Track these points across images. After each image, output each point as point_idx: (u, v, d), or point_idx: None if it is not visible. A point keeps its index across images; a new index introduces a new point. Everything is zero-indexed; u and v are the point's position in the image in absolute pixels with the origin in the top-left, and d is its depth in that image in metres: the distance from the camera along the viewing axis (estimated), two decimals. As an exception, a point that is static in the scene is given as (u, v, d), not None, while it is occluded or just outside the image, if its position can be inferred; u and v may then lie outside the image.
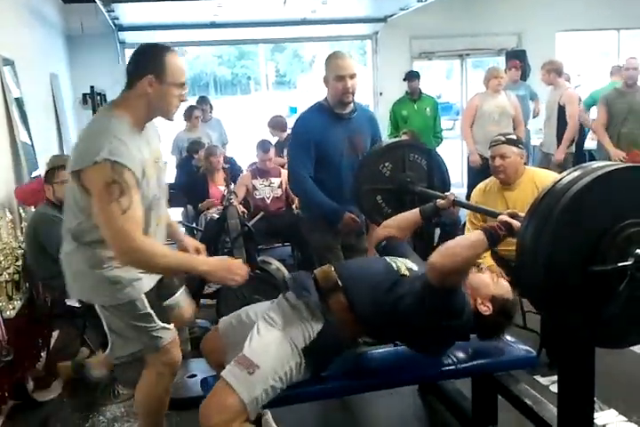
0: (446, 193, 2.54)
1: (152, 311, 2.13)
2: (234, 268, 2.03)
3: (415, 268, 2.14)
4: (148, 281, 2.16)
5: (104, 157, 1.87)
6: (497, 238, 1.88)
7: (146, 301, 2.12)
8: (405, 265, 2.14)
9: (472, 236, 1.93)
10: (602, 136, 5.50)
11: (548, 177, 3.11)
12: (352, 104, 3.09)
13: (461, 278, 1.96)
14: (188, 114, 6.53)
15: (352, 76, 2.96)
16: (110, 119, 2.00)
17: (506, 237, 1.89)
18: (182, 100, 2.08)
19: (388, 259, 2.20)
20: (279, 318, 2.05)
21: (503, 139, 3.30)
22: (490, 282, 2.10)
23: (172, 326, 2.22)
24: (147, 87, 1.98)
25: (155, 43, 2.10)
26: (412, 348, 2.15)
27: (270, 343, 1.97)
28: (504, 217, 1.95)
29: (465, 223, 3.62)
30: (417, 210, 2.49)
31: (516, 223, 1.89)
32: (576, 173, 1.60)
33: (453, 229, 4.78)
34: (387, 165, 2.88)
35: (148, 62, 1.99)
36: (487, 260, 3.29)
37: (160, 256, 1.95)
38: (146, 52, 2.04)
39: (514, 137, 3.39)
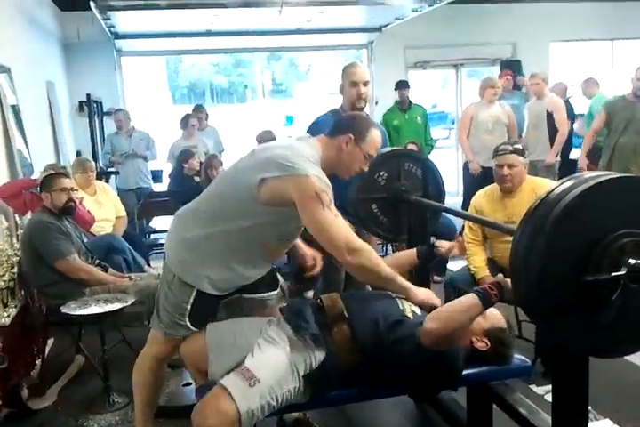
0: (451, 242, 2.56)
1: (189, 309, 2.19)
2: (432, 295, 2.22)
3: (418, 312, 2.16)
4: (213, 285, 2.19)
5: (315, 174, 2.04)
6: (489, 301, 1.93)
7: (192, 297, 2.18)
8: (411, 307, 2.16)
9: (466, 300, 1.95)
10: (586, 143, 5.52)
11: (547, 185, 3.13)
12: (364, 112, 3.20)
13: (455, 342, 1.99)
14: (185, 122, 6.56)
15: (365, 84, 3.13)
16: (312, 150, 2.18)
17: (498, 299, 1.93)
18: (361, 170, 2.30)
19: (394, 295, 2.22)
20: (280, 338, 2.06)
21: (511, 148, 3.31)
22: (479, 318, 2.10)
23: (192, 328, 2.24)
24: (343, 143, 2.21)
25: (369, 117, 2.52)
26: (407, 384, 2.15)
27: (272, 362, 1.98)
28: (498, 278, 2.00)
29: (461, 231, 3.64)
30: (414, 250, 2.54)
31: (507, 283, 1.92)
32: (569, 183, 1.62)
33: (449, 237, 4.79)
34: (382, 174, 2.89)
35: (356, 126, 2.25)
36: (483, 270, 3.31)
37: (380, 267, 2.10)
38: (358, 118, 2.35)
39: (520, 146, 3.40)
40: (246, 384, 1.89)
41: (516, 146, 3.36)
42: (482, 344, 2.10)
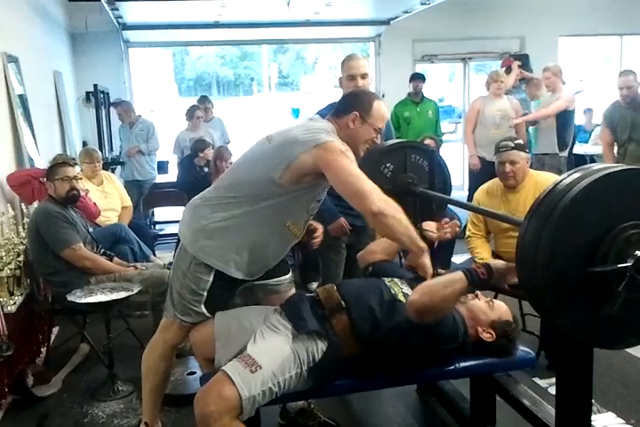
0: (438, 223, 2.51)
1: (205, 295, 2.21)
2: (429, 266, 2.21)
3: (410, 293, 2.16)
4: (235, 269, 2.21)
5: (335, 140, 2.10)
6: (477, 279, 1.92)
7: (210, 283, 2.19)
8: (402, 290, 2.17)
9: (452, 275, 1.97)
10: (607, 157, 5.25)
11: (550, 179, 3.12)
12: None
13: (440, 316, 1.98)
14: (190, 113, 6.55)
15: (363, 76, 3.08)
16: (329, 125, 2.21)
17: (486, 279, 1.93)
18: (373, 144, 2.32)
19: (386, 281, 2.23)
20: (282, 326, 2.08)
21: (512, 144, 3.29)
22: (486, 308, 2.15)
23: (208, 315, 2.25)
24: (350, 121, 2.24)
25: (369, 91, 2.52)
26: (410, 366, 2.16)
27: (274, 348, 2.00)
28: (492, 261, 2.01)
29: (466, 225, 3.63)
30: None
31: (498, 266, 1.95)
32: (576, 175, 1.61)
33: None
34: (388, 165, 2.88)
35: (359, 102, 2.27)
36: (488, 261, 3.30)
37: (403, 222, 2.08)
38: (359, 94, 2.38)
39: (521, 142, 3.39)
40: (248, 370, 1.91)
41: (517, 142, 3.35)
42: (488, 335, 2.11)
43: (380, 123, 2.28)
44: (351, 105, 2.26)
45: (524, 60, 7.75)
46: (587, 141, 8.09)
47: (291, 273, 2.53)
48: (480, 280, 1.92)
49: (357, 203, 2.11)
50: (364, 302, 2.09)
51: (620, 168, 1.62)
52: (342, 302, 2.10)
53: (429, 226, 2.46)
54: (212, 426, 1.86)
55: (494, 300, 2.23)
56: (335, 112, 2.29)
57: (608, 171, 1.59)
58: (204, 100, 7.20)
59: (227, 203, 2.20)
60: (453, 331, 2.03)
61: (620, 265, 1.55)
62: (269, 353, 1.97)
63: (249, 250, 2.20)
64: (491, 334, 2.11)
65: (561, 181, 1.63)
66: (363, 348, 2.05)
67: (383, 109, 2.29)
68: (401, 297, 2.12)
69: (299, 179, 2.11)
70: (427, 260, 2.18)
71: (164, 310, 2.37)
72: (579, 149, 7.40)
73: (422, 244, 2.17)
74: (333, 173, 2.08)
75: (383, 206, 2.04)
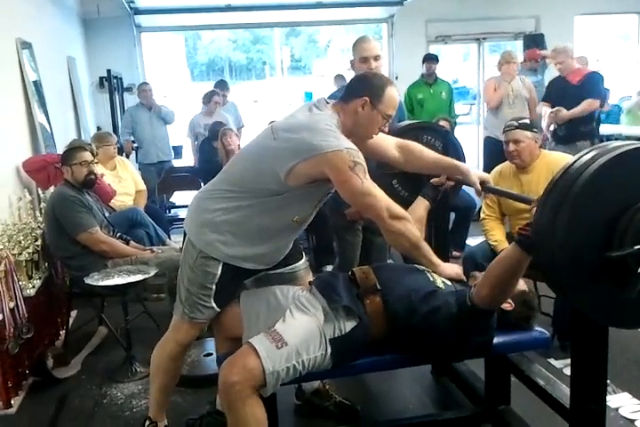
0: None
1: (214, 288, 2.17)
2: (459, 271, 2.27)
3: (448, 282, 2.17)
4: (243, 260, 2.19)
5: (345, 147, 2.01)
6: (530, 242, 1.81)
7: (218, 276, 2.17)
8: (440, 278, 2.18)
9: (509, 255, 1.86)
10: None
11: (562, 160, 3.10)
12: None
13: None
14: (208, 98, 6.51)
15: (376, 58, 3.04)
16: (332, 119, 2.11)
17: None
18: (381, 131, 2.24)
19: (422, 268, 2.23)
20: (311, 306, 2.08)
21: (516, 124, 3.29)
22: None
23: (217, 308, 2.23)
24: (359, 107, 2.13)
25: (382, 74, 2.40)
26: (432, 355, 2.18)
27: (302, 327, 2.01)
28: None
29: (481, 207, 3.61)
30: (420, 198, 2.53)
31: None
32: (593, 153, 1.60)
33: (468, 212, 4.78)
34: (402, 147, 2.87)
35: (371, 87, 2.15)
36: (503, 243, 3.29)
37: (416, 236, 2.14)
38: (371, 78, 2.22)
39: (527, 121, 3.37)
40: (274, 346, 1.93)
41: (522, 121, 3.33)
42: (507, 305, 2.11)
43: (390, 110, 2.16)
44: (362, 89, 2.14)
45: (538, 41, 7.65)
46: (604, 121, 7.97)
47: (305, 258, 2.49)
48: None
49: (372, 216, 2.14)
50: (400, 285, 2.10)
51: (636, 146, 1.60)
52: (377, 285, 2.10)
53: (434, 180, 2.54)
54: (232, 396, 1.89)
55: None
56: (344, 96, 2.18)
57: (624, 149, 1.57)
58: (222, 84, 7.17)
59: (231, 197, 2.14)
60: (489, 325, 2.04)
61: (636, 247, 1.54)
62: (297, 332, 1.98)
63: (255, 241, 2.17)
64: (509, 303, 2.11)
65: (578, 159, 1.61)
66: (390, 330, 2.06)
67: (396, 96, 2.18)
68: (440, 284, 2.12)
69: (305, 181, 2.06)
70: (449, 272, 2.22)
71: (174, 308, 2.33)
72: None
73: (435, 260, 2.22)
74: (345, 191, 2.06)
75: (394, 226, 2.09)
